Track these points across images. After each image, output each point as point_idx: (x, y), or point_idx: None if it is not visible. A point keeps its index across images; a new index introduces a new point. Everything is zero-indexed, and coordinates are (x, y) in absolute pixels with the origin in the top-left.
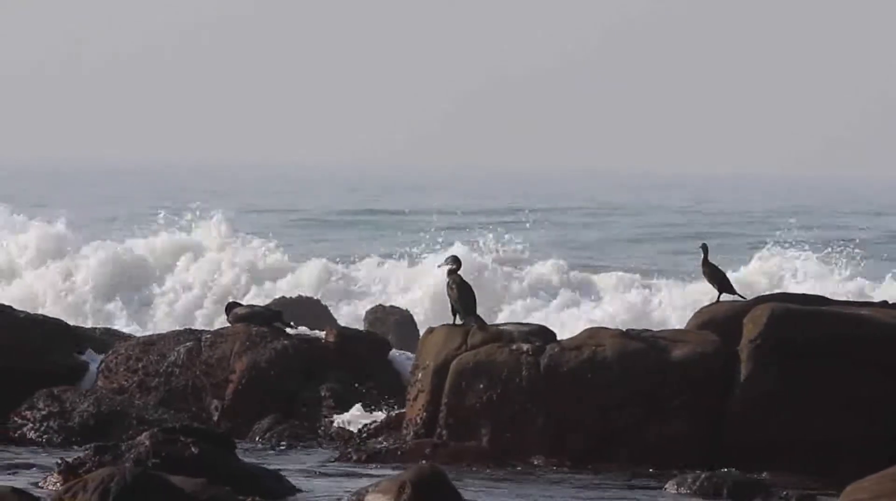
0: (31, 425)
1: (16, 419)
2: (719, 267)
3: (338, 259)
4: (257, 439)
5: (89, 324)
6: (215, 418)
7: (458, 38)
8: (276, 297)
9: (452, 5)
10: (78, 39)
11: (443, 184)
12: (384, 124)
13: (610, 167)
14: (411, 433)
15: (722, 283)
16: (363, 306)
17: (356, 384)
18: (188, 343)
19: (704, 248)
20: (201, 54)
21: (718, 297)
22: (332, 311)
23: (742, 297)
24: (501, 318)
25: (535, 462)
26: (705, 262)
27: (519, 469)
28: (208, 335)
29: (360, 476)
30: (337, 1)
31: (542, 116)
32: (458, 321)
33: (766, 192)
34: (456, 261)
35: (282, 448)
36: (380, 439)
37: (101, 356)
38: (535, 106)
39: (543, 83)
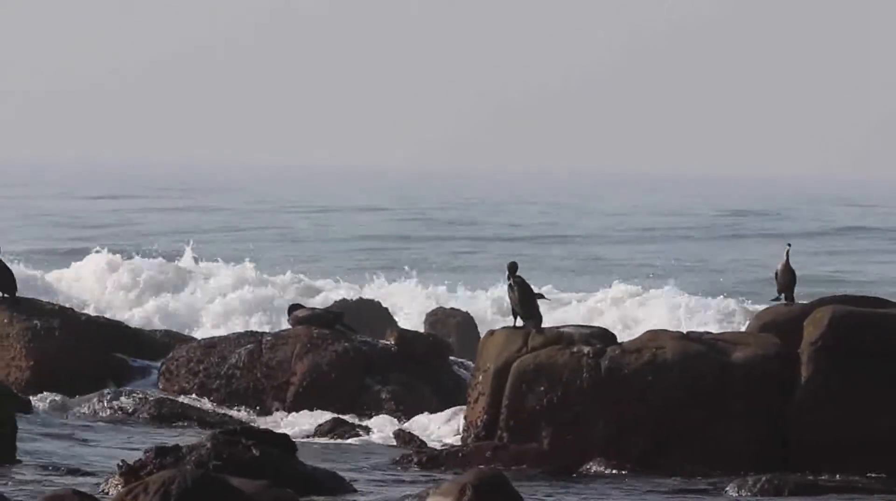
0: (92, 426)
1: (78, 420)
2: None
3: None
4: (318, 440)
5: None
6: (276, 420)
7: (494, 47)
8: (338, 299)
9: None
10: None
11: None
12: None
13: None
14: (472, 436)
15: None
16: None
17: (417, 386)
18: (249, 345)
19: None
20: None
21: (784, 297)
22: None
23: (790, 302)
24: None
25: (596, 464)
26: (786, 264)
27: (579, 470)
28: (269, 338)
29: (421, 478)
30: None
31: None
32: (519, 324)
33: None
34: (514, 266)
35: (342, 449)
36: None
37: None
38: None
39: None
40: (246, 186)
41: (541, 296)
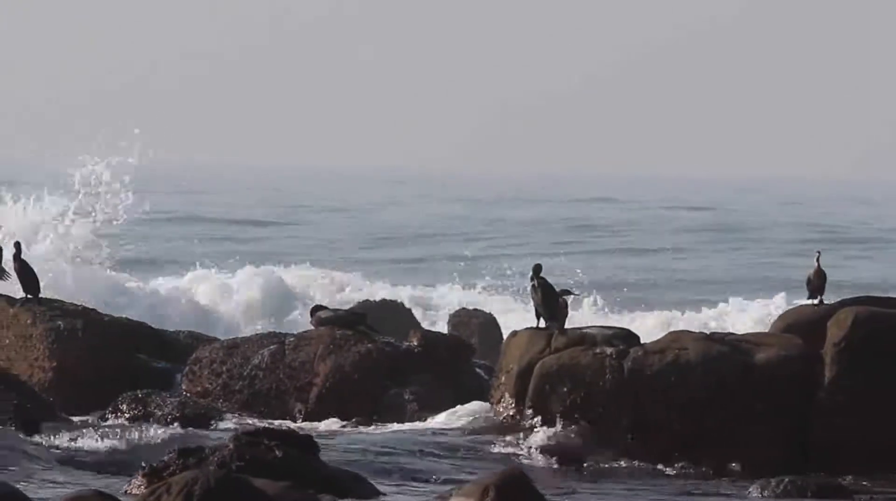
0: (115, 427)
1: (101, 421)
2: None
3: None
4: (341, 441)
5: None
6: (299, 421)
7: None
8: (361, 300)
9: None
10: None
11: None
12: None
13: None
14: (495, 435)
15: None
16: None
17: (439, 387)
18: (272, 346)
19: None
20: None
21: (817, 301)
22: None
23: (817, 303)
24: None
25: (619, 464)
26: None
27: (602, 470)
28: (292, 339)
29: (445, 478)
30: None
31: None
32: (542, 325)
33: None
34: (538, 267)
35: (365, 450)
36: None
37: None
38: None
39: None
40: (282, 186)
41: (568, 292)
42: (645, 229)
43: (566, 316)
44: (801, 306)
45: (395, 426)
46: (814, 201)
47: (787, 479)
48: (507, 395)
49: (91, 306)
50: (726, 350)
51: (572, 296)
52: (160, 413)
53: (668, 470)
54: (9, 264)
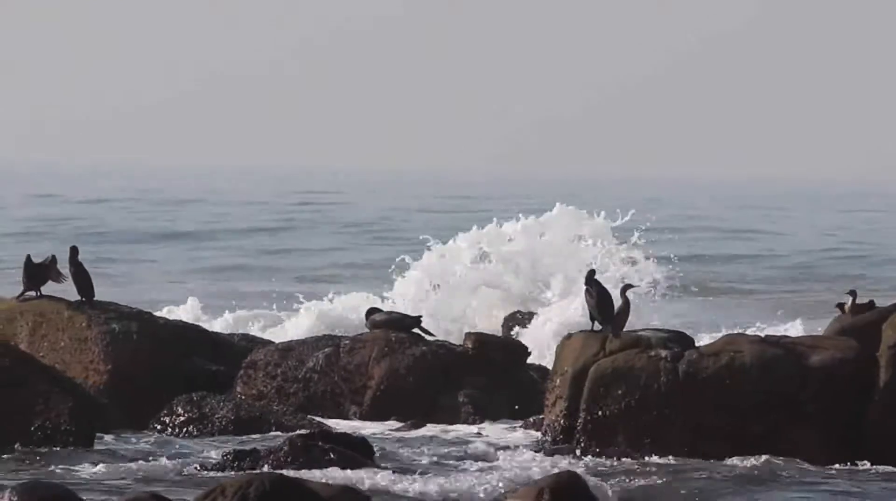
0: (170, 430)
1: (155, 424)
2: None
3: None
4: (395, 443)
5: None
6: (353, 423)
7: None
8: None
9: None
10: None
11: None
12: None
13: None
14: (549, 439)
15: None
16: None
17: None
18: (327, 349)
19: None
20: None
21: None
22: None
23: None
24: None
25: (673, 467)
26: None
27: (656, 473)
28: (347, 341)
29: (499, 480)
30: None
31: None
32: (597, 328)
33: None
34: (592, 271)
35: (419, 452)
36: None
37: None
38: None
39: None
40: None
41: (630, 286)
42: None
43: (628, 314)
44: (859, 304)
45: (450, 429)
46: None
47: (841, 481)
48: (560, 398)
49: None
50: (781, 353)
51: (634, 288)
52: (215, 416)
53: (722, 472)
54: (65, 268)
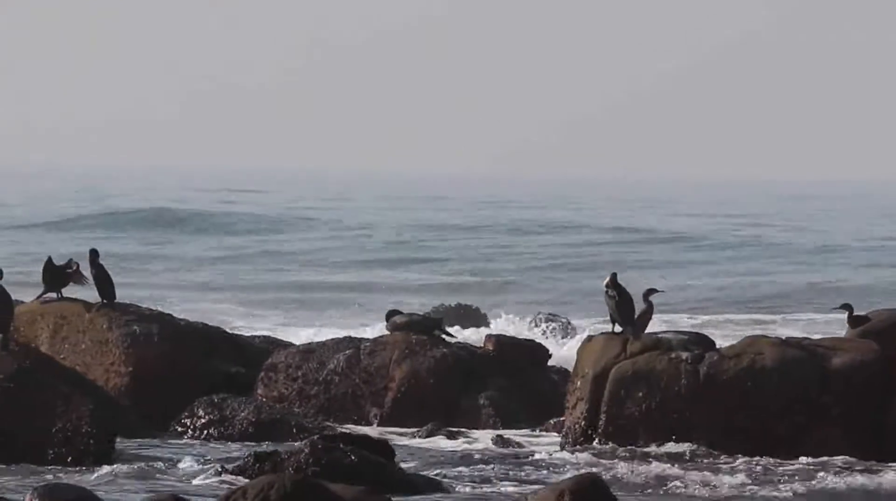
0: (191, 432)
1: (176, 426)
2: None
3: None
4: (417, 446)
5: None
6: (374, 425)
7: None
8: (436, 305)
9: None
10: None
11: None
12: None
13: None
14: (570, 441)
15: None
16: None
17: (514, 392)
18: (347, 351)
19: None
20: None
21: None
22: None
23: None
24: None
25: (694, 469)
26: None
27: (677, 475)
28: (367, 343)
29: (520, 483)
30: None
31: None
32: (617, 330)
33: None
34: (613, 274)
35: (441, 455)
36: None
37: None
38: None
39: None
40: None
41: (654, 290)
42: None
43: (650, 318)
44: (878, 310)
45: (471, 431)
46: None
47: (860, 480)
48: (581, 400)
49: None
50: (802, 355)
51: (657, 293)
52: (236, 418)
53: (743, 474)
54: (86, 270)
